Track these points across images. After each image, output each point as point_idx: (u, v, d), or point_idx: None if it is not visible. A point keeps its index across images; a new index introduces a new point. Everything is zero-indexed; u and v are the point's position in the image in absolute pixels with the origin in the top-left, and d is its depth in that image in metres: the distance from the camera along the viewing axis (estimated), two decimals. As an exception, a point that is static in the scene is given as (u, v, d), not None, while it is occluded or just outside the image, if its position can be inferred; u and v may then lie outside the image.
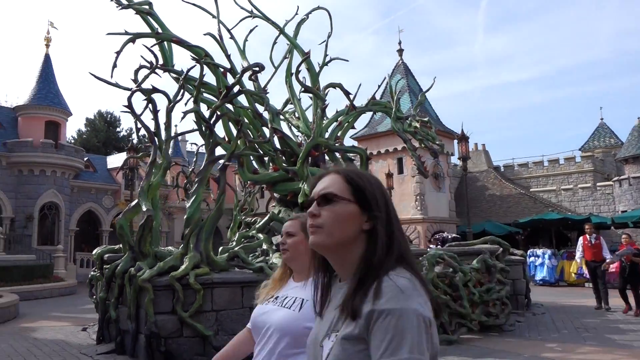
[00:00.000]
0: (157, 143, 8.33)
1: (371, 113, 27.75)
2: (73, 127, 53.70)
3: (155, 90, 8.49)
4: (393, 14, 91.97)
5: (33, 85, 26.27)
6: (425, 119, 13.19)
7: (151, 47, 9.46)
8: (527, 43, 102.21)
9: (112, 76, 8.87)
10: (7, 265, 16.70)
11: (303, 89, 10.31)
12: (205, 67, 8.97)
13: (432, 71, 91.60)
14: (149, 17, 10.47)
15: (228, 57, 10.05)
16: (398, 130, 12.82)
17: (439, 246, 20.82)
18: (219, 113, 7.94)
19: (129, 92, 8.17)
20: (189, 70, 9.03)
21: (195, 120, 8.33)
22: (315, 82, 11.83)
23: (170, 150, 9.00)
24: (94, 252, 9.42)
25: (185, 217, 7.62)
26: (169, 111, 8.25)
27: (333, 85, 10.68)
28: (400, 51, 28.47)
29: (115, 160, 30.50)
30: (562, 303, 12.14)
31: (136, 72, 8.60)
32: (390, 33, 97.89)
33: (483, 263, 8.78)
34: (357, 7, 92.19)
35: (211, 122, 8.09)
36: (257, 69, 8.30)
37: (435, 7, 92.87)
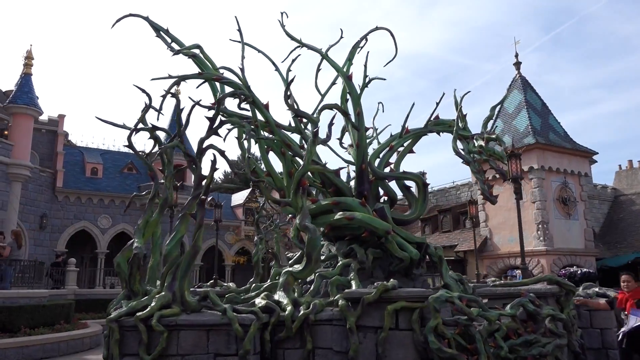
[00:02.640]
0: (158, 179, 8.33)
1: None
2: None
3: (155, 128, 8.57)
4: (557, 27, 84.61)
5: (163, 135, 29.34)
6: (493, 136, 11.32)
7: (197, 86, 9.80)
8: None
9: (157, 118, 9.13)
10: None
11: (294, 114, 9.56)
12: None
13: (608, 83, 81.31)
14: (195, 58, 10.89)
15: (248, 87, 9.83)
16: (458, 151, 11.21)
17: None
18: (204, 146, 7.65)
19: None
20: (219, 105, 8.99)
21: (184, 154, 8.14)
22: (356, 106, 11.01)
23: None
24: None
25: (163, 254, 7.38)
26: (166, 148, 8.21)
27: (329, 107, 9.74)
28: (518, 64, 25.71)
29: (238, 197, 32.39)
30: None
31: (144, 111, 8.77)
32: (556, 48, 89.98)
33: (520, 308, 6.93)
34: (515, 25, 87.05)
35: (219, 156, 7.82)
36: (242, 96, 7.86)
37: (610, 13, 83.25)
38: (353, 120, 11.05)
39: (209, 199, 30.34)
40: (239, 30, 10.68)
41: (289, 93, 11.86)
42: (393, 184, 11.51)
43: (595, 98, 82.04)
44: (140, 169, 29.32)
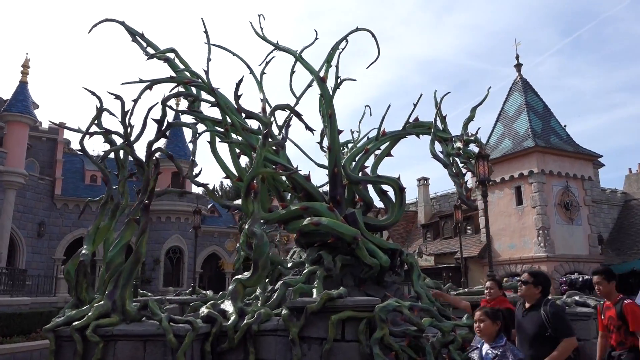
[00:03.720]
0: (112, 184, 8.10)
1: (488, 137, 24.87)
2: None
3: (109, 131, 8.36)
4: (577, 30, 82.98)
5: (164, 142, 29.38)
6: (472, 138, 10.89)
7: (170, 90, 9.55)
8: None
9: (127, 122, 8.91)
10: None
11: (245, 114, 9.25)
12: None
13: (630, 86, 79.24)
14: (168, 62, 10.74)
15: (212, 90, 9.59)
16: (435, 154, 10.80)
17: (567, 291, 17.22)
18: (152, 149, 7.41)
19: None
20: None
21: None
22: (328, 108, 10.69)
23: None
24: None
25: (105, 261, 7.12)
26: (118, 150, 7.99)
27: (281, 107, 9.40)
28: (519, 66, 25.13)
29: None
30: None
31: (94, 116, 8.56)
32: (577, 51, 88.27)
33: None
34: (534, 29, 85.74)
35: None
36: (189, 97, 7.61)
37: (632, 14, 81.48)
38: (325, 122, 10.75)
39: (208, 206, 30.00)
40: (206, 32, 10.46)
41: (262, 97, 11.65)
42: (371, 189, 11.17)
43: (617, 101, 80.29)
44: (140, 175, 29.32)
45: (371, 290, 9.82)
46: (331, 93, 10.76)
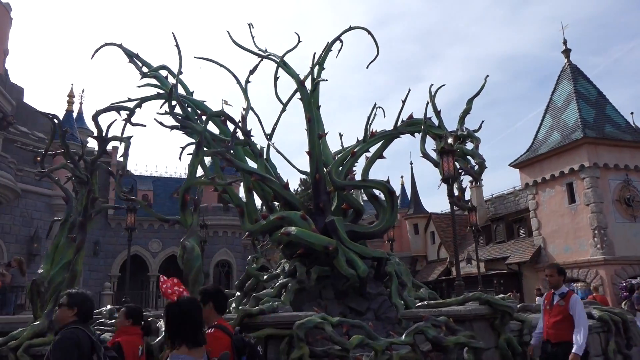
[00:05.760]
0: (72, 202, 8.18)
1: (535, 132, 23.06)
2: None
3: (67, 149, 8.48)
4: None
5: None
6: (464, 133, 9.91)
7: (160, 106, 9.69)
8: None
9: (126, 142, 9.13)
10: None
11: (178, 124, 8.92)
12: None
13: None
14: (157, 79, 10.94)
15: (182, 98, 9.51)
16: (425, 153, 9.97)
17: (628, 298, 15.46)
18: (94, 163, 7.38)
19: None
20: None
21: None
22: (307, 111, 10.26)
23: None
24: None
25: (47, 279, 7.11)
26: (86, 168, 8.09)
27: (216, 115, 8.96)
28: (567, 51, 23.08)
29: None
30: None
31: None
32: None
33: (417, 337, 5.71)
34: (623, 13, 79.51)
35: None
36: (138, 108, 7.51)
37: None
38: (306, 126, 10.30)
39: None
40: (177, 45, 10.42)
41: (245, 105, 11.42)
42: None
43: None
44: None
45: (353, 302, 9.17)
46: (309, 96, 10.33)
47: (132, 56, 10.90)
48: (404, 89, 9.65)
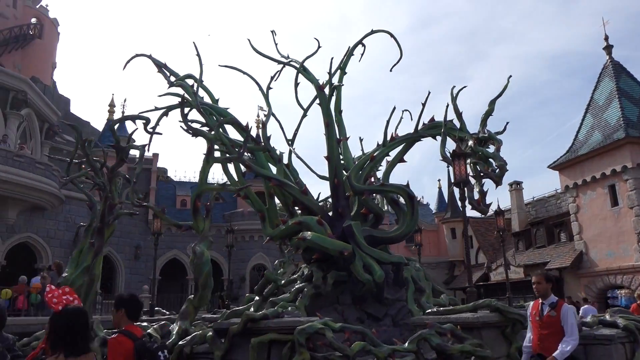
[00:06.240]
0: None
1: (575, 132, 22.20)
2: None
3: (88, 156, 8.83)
4: None
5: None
6: (486, 135, 9.65)
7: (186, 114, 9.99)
8: None
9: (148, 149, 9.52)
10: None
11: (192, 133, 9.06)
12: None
13: None
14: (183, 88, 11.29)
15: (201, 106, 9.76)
16: (445, 156, 9.82)
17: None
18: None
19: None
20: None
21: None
22: (326, 116, 10.29)
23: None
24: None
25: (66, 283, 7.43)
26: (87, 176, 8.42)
27: (228, 122, 9.02)
28: (609, 47, 22.11)
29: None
30: None
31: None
32: None
33: (420, 344, 5.61)
34: None
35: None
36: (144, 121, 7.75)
37: None
38: (324, 131, 10.33)
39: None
40: (198, 55, 10.70)
41: (266, 111, 11.57)
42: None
43: None
44: (226, 197, 30.85)
45: (371, 308, 9.11)
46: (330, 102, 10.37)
47: (160, 66, 11.24)
48: (449, 90, 9.76)
